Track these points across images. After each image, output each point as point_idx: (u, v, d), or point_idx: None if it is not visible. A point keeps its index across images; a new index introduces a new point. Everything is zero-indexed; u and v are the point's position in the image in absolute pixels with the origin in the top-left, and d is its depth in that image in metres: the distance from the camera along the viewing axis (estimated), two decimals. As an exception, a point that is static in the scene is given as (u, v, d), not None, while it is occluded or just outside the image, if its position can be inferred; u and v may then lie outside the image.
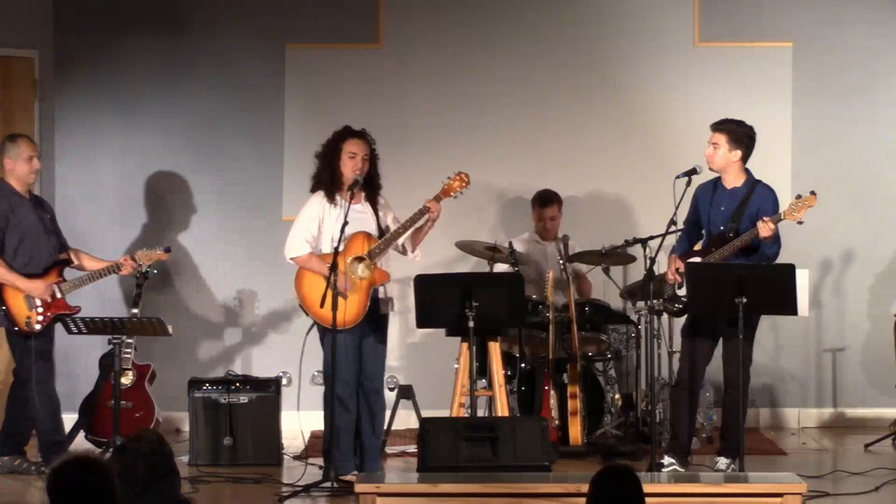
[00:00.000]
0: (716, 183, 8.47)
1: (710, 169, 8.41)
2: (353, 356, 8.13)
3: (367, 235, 8.14)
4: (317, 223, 8.12)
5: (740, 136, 8.35)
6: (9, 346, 8.59)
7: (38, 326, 8.33)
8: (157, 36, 10.25)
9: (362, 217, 8.18)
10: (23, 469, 8.51)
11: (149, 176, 10.25)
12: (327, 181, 8.15)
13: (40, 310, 8.38)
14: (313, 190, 8.23)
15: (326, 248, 8.10)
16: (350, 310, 8.04)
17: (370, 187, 8.23)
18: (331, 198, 8.13)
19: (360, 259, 8.12)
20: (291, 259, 8.17)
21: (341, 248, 7.96)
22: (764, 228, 8.08)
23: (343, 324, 7.99)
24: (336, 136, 8.22)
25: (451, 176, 8.27)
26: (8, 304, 8.35)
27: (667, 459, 8.37)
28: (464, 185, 8.25)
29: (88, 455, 4.32)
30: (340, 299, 7.92)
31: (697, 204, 8.49)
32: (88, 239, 10.10)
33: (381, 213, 8.28)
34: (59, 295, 8.46)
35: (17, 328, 8.37)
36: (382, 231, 8.23)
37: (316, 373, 9.55)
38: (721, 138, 8.34)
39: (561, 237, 9.53)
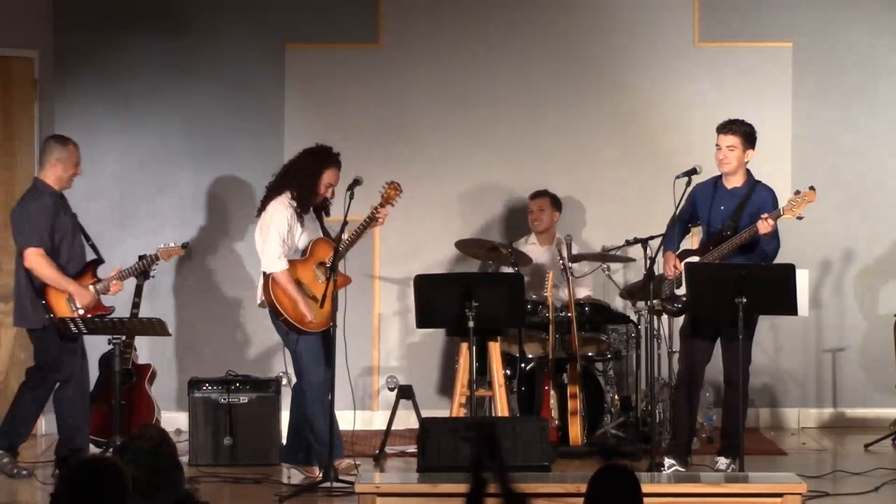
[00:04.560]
0: (716, 182, 8.48)
1: (723, 171, 8.40)
2: (321, 358, 8.29)
3: (329, 242, 8.31)
4: (287, 234, 8.24)
5: (752, 136, 8.38)
6: (38, 347, 8.50)
7: (83, 328, 8.27)
8: (157, 36, 10.24)
9: (315, 225, 8.44)
10: (7, 469, 8.48)
11: (149, 175, 10.25)
12: (300, 198, 8.29)
13: (80, 312, 8.36)
14: (276, 192, 8.32)
15: (292, 258, 8.33)
16: (322, 314, 8.22)
17: (319, 208, 8.47)
18: (299, 213, 8.28)
19: (323, 265, 8.30)
20: (272, 273, 8.25)
21: (303, 255, 8.28)
22: (763, 225, 8.09)
23: (315, 326, 8.23)
24: (322, 159, 8.39)
25: (385, 186, 8.49)
26: (51, 306, 8.33)
27: (667, 461, 8.37)
28: (398, 193, 8.52)
29: (101, 456, 4.33)
30: (313, 302, 8.17)
31: (695, 202, 8.49)
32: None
33: (324, 225, 8.52)
34: (95, 297, 8.48)
35: (59, 329, 8.31)
36: (327, 237, 8.47)
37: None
38: (737, 140, 8.34)
39: (564, 237, 9.53)
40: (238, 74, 10.27)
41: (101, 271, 8.64)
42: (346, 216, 8.12)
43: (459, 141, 10.28)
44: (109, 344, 8.37)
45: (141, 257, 9.00)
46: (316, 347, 8.27)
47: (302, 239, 8.32)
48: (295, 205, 8.28)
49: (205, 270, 10.28)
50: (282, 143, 10.27)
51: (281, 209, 8.27)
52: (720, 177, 8.47)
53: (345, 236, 8.33)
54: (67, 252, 8.46)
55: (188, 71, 10.27)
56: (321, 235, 8.45)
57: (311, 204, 8.34)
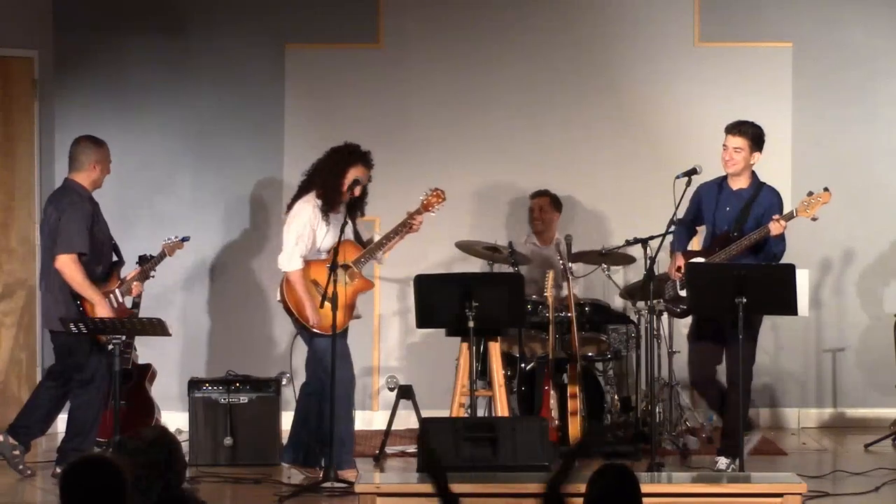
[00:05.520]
0: (720, 183, 8.48)
1: (728, 172, 8.40)
2: (340, 358, 8.17)
3: (353, 244, 8.24)
4: (311, 235, 8.18)
5: (760, 139, 8.39)
6: (64, 350, 8.46)
7: (83, 328, 8.25)
8: (157, 36, 10.25)
9: (341, 224, 8.29)
10: (14, 462, 8.47)
11: (148, 176, 10.25)
12: (324, 197, 8.19)
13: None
14: (304, 191, 8.27)
15: (315, 258, 8.24)
16: (337, 316, 8.09)
17: (354, 206, 8.34)
18: (325, 212, 8.19)
19: (345, 267, 8.21)
20: (287, 272, 8.22)
21: (327, 255, 8.12)
22: (776, 227, 8.11)
23: (325, 328, 8.11)
24: (345, 156, 8.27)
25: (427, 192, 8.40)
26: (85, 309, 8.32)
27: (721, 461, 8.40)
28: (440, 201, 8.41)
29: (102, 455, 4.34)
30: (328, 302, 8.05)
31: (700, 203, 8.50)
32: (88, 239, 10.12)
33: (357, 227, 8.42)
34: (120, 300, 8.48)
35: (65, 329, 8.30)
36: (358, 240, 8.38)
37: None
38: (744, 142, 8.34)
39: (564, 237, 9.53)
40: (238, 74, 10.27)
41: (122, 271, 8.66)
42: (345, 217, 8.12)
43: (459, 141, 10.28)
44: (109, 344, 8.36)
45: (141, 257, 9.00)
46: (335, 348, 8.11)
47: (327, 239, 8.19)
48: (321, 203, 8.21)
49: (205, 270, 10.29)
50: (282, 143, 10.27)
51: (305, 208, 8.22)
52: (725, 177, 8.47)
53: (377, 238, 8.31)
54: (104, 259, 8.47)
55: (188, 71, 10.27)
56: (350, 236, 8.35)
57: (336, 203, 8.21)
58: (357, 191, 8.25)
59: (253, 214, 10.30)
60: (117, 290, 8.48)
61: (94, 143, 8.56)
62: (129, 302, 8.61)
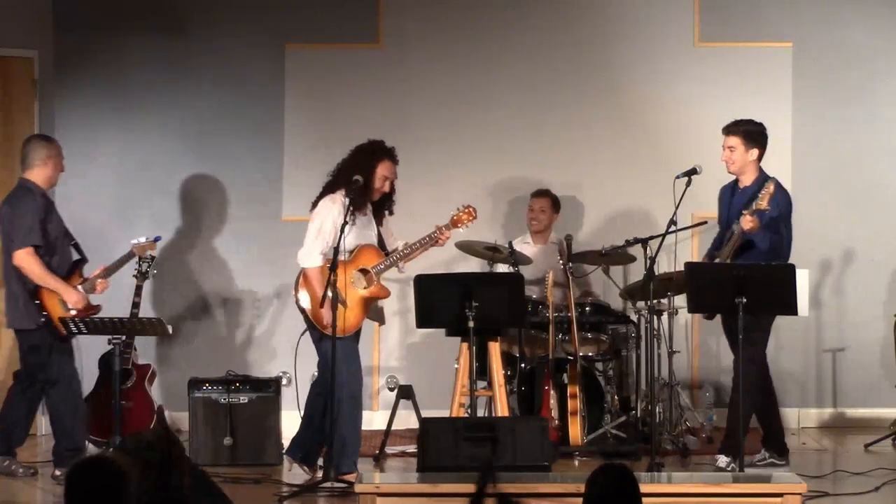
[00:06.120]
0: (734, 185, 8.59)
1: (730, 172, 8.52)
2: (346, 360, 8.13)
3: (375, 250, 8.21)
4: (333, 233, 8.10)
5: (754, 134, 8.44)
6: (27, 348, 8.45)
7: (83, 329, 8.24)
8: (157, 36, 10.25)
9: (370, 227, 8.26)
10: (10, 471, 8.48)
11: (148, 176, 10.25)
12: (355, 193, 8.09)
13: (73, 312, 8.35)
14: (329, 191, 8.22)
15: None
16: (348, 319, 8.08)
17: (381, 207, 8.30)
18: (352, 210, 8.08)
19: (363, 272, 8.17)
20: (306, 268, 8.18)
21: (347, 256, 8.07)
22: (745, 221, 8.17)
23: (341, 331, 8.03)
24: (371, 153, 8.21)
25: (459, 208, 8.44)
26: (46, 307, 8.32)
27: (722, 459, 8.44)
28: (471, 218, 8.44)
29: (104, 455, 4.34)
30: (339, 304, 7.97)
31: (720, 205, 8.62)
32: (88, 239, 10.11)
33: (382, 231, 8.35)
34: (84, 296, 8.47)
35: (53, 330, 8.30)
36: (381, 246, 8.32)
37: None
38: (737, 140, 8.43)
39: (564, 237, 9.52)
40: (238, 74, 10.27)
41: (85, 270, 8.62)
42: (346, 217, 8.08)
43: (459, 141, 10.28)
44: (109, 344, 8.36)
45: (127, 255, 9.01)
46: (342, 350, 8.02)
47: (349, 239, 8.09)
48: (348, 202, 8.08)
49: (205, 270, 10.28)
50: (282, 143, 10.27)
51: (329, 206, 8.14)
52: (738, 178, 8.59)
53: (400, 246, 8.29)
54: (60, 252, 8.46)
55: (188, 71, 10.27)
56: (373, 238, 8.28)
57: (366, 200, 8.17)
58: (388, 186, 8.19)
59: (252, 214, 10.29)
60: (79, 287, 8.46)
61: (45, 140, 8.61)
62: (94, 299, 8.56)
